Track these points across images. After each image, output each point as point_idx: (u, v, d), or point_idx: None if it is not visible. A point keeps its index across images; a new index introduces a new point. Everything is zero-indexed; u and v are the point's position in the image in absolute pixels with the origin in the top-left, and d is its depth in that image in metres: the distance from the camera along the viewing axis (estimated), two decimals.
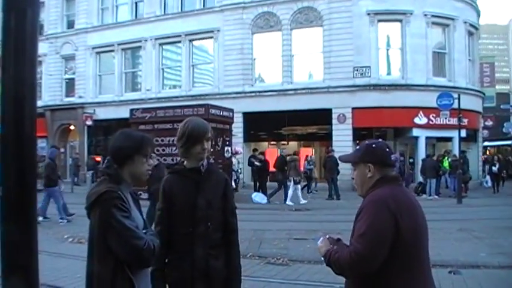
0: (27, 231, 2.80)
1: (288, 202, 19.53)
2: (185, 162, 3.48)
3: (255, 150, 24.72)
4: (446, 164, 23.91)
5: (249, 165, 23.90)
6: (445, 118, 23.51)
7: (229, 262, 3.44)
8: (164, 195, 3.42)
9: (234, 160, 22.98)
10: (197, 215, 3.32)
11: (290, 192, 19.93)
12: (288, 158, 20.79)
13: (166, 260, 3.42)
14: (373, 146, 3.02)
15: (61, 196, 15.58)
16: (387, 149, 3.05)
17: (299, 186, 20.56)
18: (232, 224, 3.51)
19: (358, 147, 3.15)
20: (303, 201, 19.74)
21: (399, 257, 2.70)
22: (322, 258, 3.00)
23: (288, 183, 20.24)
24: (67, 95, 35.98)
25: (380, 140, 3.18)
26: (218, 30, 29.81)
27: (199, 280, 3.29)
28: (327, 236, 3.11)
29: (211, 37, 30.42)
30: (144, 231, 2.93)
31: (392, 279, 2.71)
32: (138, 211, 3.05)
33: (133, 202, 3.02)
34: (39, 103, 33.56)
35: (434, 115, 24.92)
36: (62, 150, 34.90)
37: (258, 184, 22.84)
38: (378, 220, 2.70)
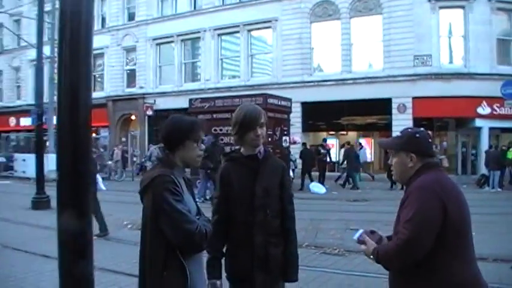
0: (82, 217, 2.92)
1: None
2: (242, 150, 3.48)
3: (323, 140, 24.78)
4: (510, 155, 23.06)
5: (317, 154, 23.75)
6: (510, 107, 22.80)
7: (287, 250, 3.45)
8: (221, 183, 3.42)
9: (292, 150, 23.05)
10: (255, 203, 3.32)
11: None
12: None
13: (225, 249, 3.43)
14: (417, 135, 2.97)
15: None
16: (429, 139, 3.04)
17: None
18: (290, 211, 3.51)
19: (400, 134, 3.08)
20: None
21: (448, 242, 2.67)
22: (371, 257, 2.97)
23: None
24: (128, 86, 36.77)
25: (422, 128, 3.11)
26: (276, 20, 29.81)
27: (258, 268, 3.30)
28: (364, 231, 3.08)
29: (269, 27, 30.44)
30: (197, 217, 2.94)
31: (442, 265, 2.69)
32: (191, 196, 3.06)
33: (186, 187, 3.04)
34: (102, 94, 34.65)
35: (498, 105, 24.19)
36: (124, 139, 35.85)
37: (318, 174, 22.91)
38: (425, 205, 2.68)
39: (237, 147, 3.57)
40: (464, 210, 2.78)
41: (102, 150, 31.53)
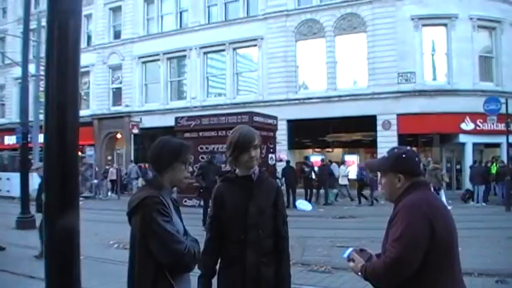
0: (70, 235, 2.93)
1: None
2: (237, 171, 3.50)
3: (305, 158, 24.67)
4: (494, 170, 23.26)
5: (301, 173, 23.76)
6: (493, 123, 23.02)
7: (279, 270, 3.43)
8: (215, 202, 3.44)
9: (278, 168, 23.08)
10: (248, 222, 3.33)
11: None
12: (430, 166, 20.71)
13: (218, 267, 3.44)
14: (403, 155, 2.99)
15: None
16: (417, 159, 3.05)
17: (442, 193, 20.22)
18: (283, 232, 3.51)
19: (387, 154, 3.09)
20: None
21: (435, 260, 2.69)
22: (359, 274, 2.98)
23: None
24: (114, 104, 36.74)
25: (408, 147, 3.16)
26: (262, 38, 30.03)
27: (250, 287, 3.29)
28: (354, 249, 3.12)
29: (255, 45, 30.64)
30: (184, 237, 2.95)
31: (429, 284, 2.71)
32: (178, 217, 3.07)
33: (174, 208, 3.05)
34: (88, 112, 34.53)
35: (481, 120, 24.44)
36: (109, 158, 35.71)
37: (306, 192, 23.03)
38: (413, 224, 2.69)
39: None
40: (451, 229, 2.82)
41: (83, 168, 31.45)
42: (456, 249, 2.84)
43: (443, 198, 19.63)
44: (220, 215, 3.40)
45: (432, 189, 19.29)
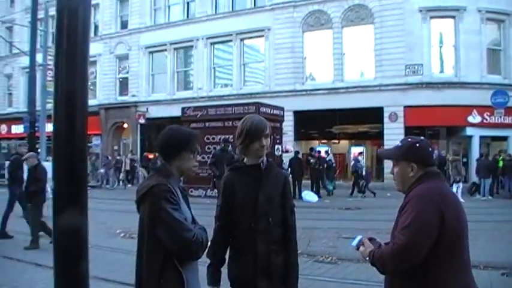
0: (79, 222, 2.95)
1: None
2: (245, 160, 3.50)
3: (311, 149, 24.57)
4: (501, 163, 23.22)
5: (307, 164, 23.70)
6: (500, 116, 23.02)
7: (288, 259, 3.46)
8: (225, 191, 3.45)
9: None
10: (258, 210, 3.34)
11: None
12: (450, 157, 20.73)
13: (228, 256, 3.46)
14: (417, 144, 3.00)
15: None
16: (430, 148, 3.07)
17: (460, 185, 20.46)
18: (291, 221, 3.53)
19: (400, 143, 3.12)
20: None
21: (444, 250, 2.71)
22: (367, 259, 3.02)
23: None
24: (121, 94, 36.79)
25: (422, 138, 3.15)
26: (269, 29, 29.95)
27: (261, 275, 3.31)
28: (363, 237, 3.15)
29: (262, 36, 30.58)
30: (192, 225, 2.97)
31: (437, 273, 2.72)
32: (187, 205, 3.08)
33: (183, 197, 3.06)
34: (94, 102, 34.55)
35: (488, 113, 24.41)
36: (116, 147, 35.81)
37: (312, 183, 23.01)
38: (423, 213, 2.71)
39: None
40: (462, 220, 2.83)
41: (93, 158, 31.55)
42: (466, 241, 2.85)
43: (459, 191, 19.66)
44: (230, 204, 3.41)
45: (452, 180, 19.28)
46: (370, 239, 3.11)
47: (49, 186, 12.33)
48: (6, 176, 14.15)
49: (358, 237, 3.17)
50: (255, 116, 3.62)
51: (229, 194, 3.42)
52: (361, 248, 3.10)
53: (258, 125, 3.42)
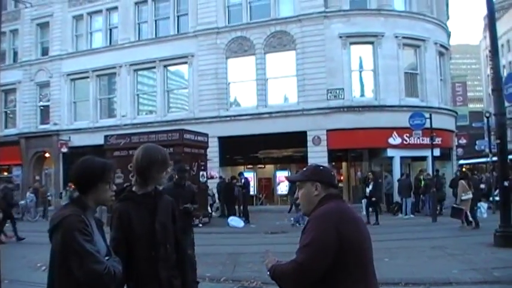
0: None
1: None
2: (134, 188, 3.49)
3: (233, 177, 24.43)
4: (422, 182, 24.00)
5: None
6: (418, 137, 23.68)
7: (185, 279, 3.54)
8: (121, 222, 3.39)
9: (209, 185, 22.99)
10: (157, 239, 3.36)
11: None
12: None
13: (127, 286, 3.40)
14: (321, 167, 3.20)
15: None
16: (332, 173, 3.25)
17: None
18: (183, 241, 3.64)
19: (305, 168, 3.27)
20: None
21: (348, 267, 2.79)
22: (268, 273, 3.09)
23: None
24: (42, 122, 35.70)
25: (326, 165, 3.33)
26: (192, 56, 29.97)
27: None
28: (270, 251, 3.27)
29: (185, 62, 30.56)
30: (106, 258, 2.93)
31: (341, 284, 2.80)
32: (101, 237, 3.05)
33: (98, 228, 3.03)
34: (14, 131, 33.51)
35: (408, 135, 25.07)
36: (37, 178, 34.65)
37: (238, 208, 23.00)
38: (321, 232, 2.81)
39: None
40: (363, 238, 2.92)
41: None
42: (370, 257, 2.97)
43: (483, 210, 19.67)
44: (127, 235, 3.36)
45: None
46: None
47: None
48: None
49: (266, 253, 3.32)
50: (154, 145, 3.67)
51: (127, 224, 3.36)
52: (266, 261, 3.18)
53: (166, 154, 3.54)
